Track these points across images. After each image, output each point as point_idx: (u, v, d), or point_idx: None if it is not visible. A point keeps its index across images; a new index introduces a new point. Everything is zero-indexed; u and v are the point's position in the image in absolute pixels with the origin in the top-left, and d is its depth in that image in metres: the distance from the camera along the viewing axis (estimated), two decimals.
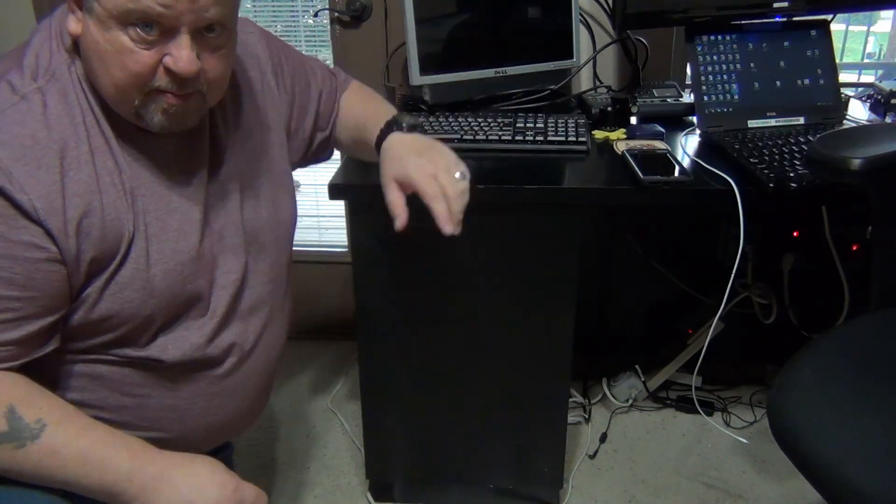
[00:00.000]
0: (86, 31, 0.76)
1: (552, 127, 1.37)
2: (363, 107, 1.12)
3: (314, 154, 1.14)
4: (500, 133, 1.34)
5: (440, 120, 1.40)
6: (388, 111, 1.08)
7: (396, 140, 0.99)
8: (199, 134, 0.89)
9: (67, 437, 0.79)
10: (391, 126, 1.00)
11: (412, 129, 1.00)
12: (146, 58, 0.75)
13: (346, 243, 2.04)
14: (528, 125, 1.38)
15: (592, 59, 1.67)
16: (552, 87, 1.57)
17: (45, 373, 0.84)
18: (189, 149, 0.88)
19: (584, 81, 1.70)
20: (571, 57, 1.56)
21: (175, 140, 0.86)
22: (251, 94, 0.99)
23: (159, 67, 0.76)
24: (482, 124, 1.38)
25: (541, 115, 1.44)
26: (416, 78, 1.46)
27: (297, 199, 1.08)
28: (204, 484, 0.83)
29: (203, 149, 0.90)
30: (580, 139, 1.33)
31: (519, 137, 1.33)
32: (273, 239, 1.01)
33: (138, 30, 0.74)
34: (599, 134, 1.41)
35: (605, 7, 1.65)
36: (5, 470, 0.78)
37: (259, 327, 1.00)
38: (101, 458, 0.80)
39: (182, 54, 0.75)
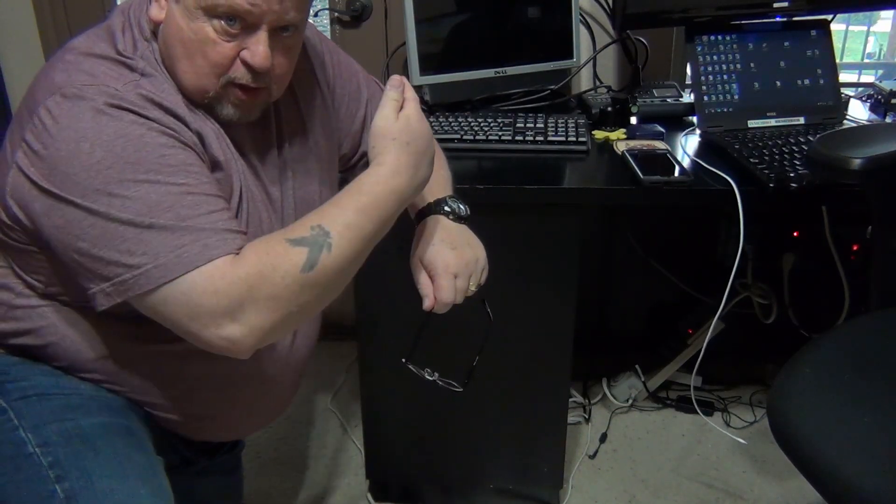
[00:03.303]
0: (170, 19, 0.80)
1: (552, 127, 1.37)
2: None
3: (357, 165, 1.15)
4: (500, 133, 1.34)
5: (440, 120, 1.40)
6: (443, 178, 1.07)
7: (438, 224, 0.99)
8: (266, 123, 0.94)
9: (353, 216, 0.83)
10: (440, 205, 1.01)
11: (459, 220, 1.01)
12: (227, 49, 0.80)
13: None
14: (528, 125, 1.38)
15: (592, 59, 1.67)
16: (552, 87, 1.57)
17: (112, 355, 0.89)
18: (261, 136, 0.93)
19: (584, 81, 1.70)
20: (571, 57, 1.56)
21: (247, 127, 0.91)
22: (311, 91, 1.02)
23: (236, 60, 0.82)
24: (482, 124, 1.38)
25: (541, 115, 1.44)
26: (416, 78, 1.46)
27: None
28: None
29: (271, 136, 0.94)
30: (580, 139, 1.33)
31: (519, 137, 1.33)
32: None
33: (223, 23, 0.78)
34: (599, 134, 1.41)
35: (605, 7, 1.65)
36: (346, 268, 0.84)
37: None
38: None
39: (259, 49, 0.80)
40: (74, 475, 0.81)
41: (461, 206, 1.02)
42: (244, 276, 0.76)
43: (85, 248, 0.76)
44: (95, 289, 0.78)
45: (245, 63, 0.81)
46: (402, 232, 0.94)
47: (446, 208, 1.00)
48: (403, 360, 1.00)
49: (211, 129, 0.85)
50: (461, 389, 0.99)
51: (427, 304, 0.95)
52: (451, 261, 0.96)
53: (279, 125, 0.96)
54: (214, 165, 0.85)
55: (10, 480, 0.81)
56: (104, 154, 0.74)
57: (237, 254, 0.77)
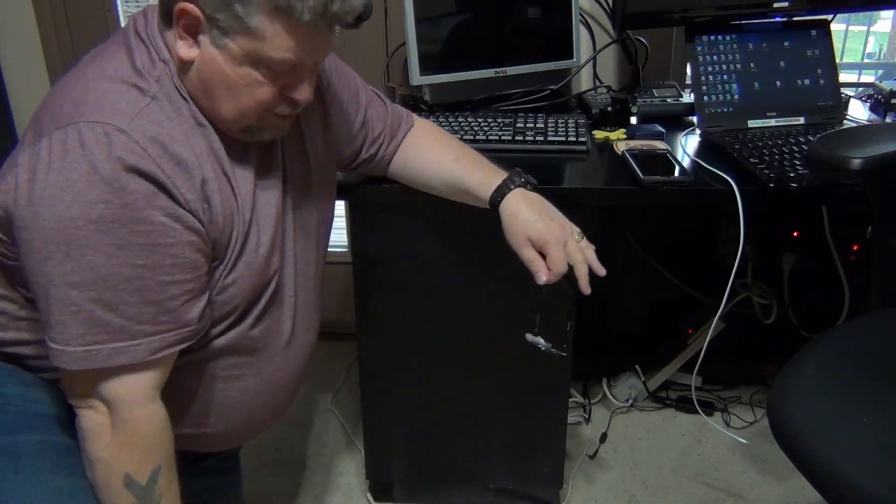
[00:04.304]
0: (209, 62, 0.81)
1: (552, 127, 1.37)
2: (447, 152, 1.12)
3: (358, 167, 1.16)
4: (500, 133, 1.34)
5: (440, 120, 1.39)
6: (482, 161, 1.10)
7: (525, 198, 1.02)
8: (273, 141, 0.96)
9: None
10: (514, 180, 1.04)
11: (535, 189, 1.05)
12: (273, 90, 0.83)
13: (346, 243, 2.04)
14: (528, 125, 1.38)
15: (592, 59, 1.67)
16: (552, 87, 1.57)
17: None
18: (267, 153, 0.94)
19: (584, 81, 1.70)
20: (571, 57, 1.56)
21: (256, 146, 0.92)
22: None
23: (279, 96, 0.85)
24: (482, 124, 1.38)
25: (541, 115, 1.44)
26: (416, 78, 1.46)
27: None
28: None
29: (277, 152, 0.96)
30: (580, 139, 1.33)
31: (519, 137, 1.33)
32: (322, 233, 1.09)
33: (270, 68, 0.81)
34: (599, 134, 1.41)
35: (605, 7, 1.65)
36: None
37: (304, 318, 1.05)
38: None
39: (306, 88, 0.85)
40: None
41: (529, 176, 1.05)
42: (127, 415, 0.83)
43: (35, 291, 0.79)
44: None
45: (288, 98, 0.85)
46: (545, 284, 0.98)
47: (521, 180, 1.04)
48: (529, 335, 1.05)
49: (212, 171, 0.85)
50: (565, 354, 1.04)
51: (545, 278, 0.97)
52: (557, 232, 0.99)
53: (282, 139, 0.97)
54: (213, 207, 0.85)
55: None
56: (80, 213, 0.75)
57: (149, 368, 0.83)
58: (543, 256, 0.98)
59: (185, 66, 0.82)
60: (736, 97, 1.41)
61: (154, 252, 0.79)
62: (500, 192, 1.03)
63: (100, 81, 0.80)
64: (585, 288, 0.98)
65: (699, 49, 1.41)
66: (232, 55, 0.79)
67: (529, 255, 0.99)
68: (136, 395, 0.83)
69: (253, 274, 0.91)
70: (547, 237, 0.98)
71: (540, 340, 1.06)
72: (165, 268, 0.80)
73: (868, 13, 2.08)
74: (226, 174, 0.86)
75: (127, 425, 0.83)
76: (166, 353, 0.83)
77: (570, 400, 1.75)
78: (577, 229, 1.02)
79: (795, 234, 1.64)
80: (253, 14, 0.77)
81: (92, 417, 0.83)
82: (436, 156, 1.12)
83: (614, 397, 1.82)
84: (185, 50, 0.81)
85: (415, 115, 1.19)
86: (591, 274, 1.00)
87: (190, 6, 0.77)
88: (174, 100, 0.83)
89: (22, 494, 0.83)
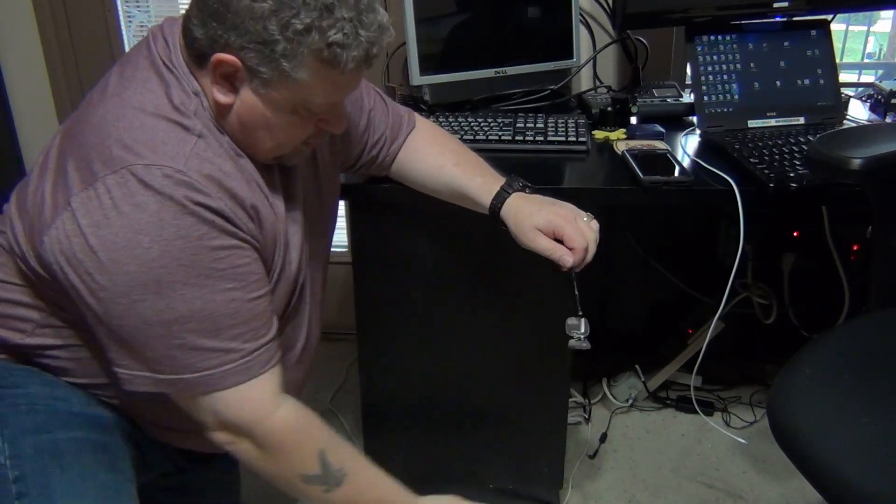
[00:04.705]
0: (249, 107, 0.81)
1: (552, 127, 1.37)
2: (447, 156, 1.13)
3: (360, 169, 1.17)
4: (500, 133, 1.34)
5: (440, 120, 1.39)
6: (482, 166, 1.11)
7: (525, 198, 1.03)
8: None
9: (361, 488, 0.92)
10: (513, 185, 1.05)
11: (524, 187, 1.05)
12: (311, 125, 0.86)
13: (346, 243, 2.04)
14: (528, 125, 1.38)
15: (592, 59, 1.67)
16: (552, 87, 1.57)
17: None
18: (287, 168, 0.95)
19: (584, 81, 1.70)
20: (571, 57, 1.56)
21: (277, 167, 0.93)
22: None
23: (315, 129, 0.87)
24: (482, 124, 1.38)
25: (541, 115, 1.44)
26: (416, 78, 1.46)
27: None
28: None
29: (296, 169, 0.96)
30: (580, 139, 1.33)
31: (519, 137, 1.33)
32: (331, 236, 1.13)
33: (311, 110, 0.83)
34: (599, 134, 1.41)
35: (605, 7, 1.65)
36: None
37: (316, 323, 1.07)
38: None
39: (342, 120, 0.88)
40: (35, 491, 0.81)
41: (525, 181, 1.06)
42: (269, 427, 0.85)
43: (114, 336, 0.79)
44: (120, 369, 0.82)
45: (322, 130, 0.88)
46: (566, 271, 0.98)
47: (519, 184, 1.05)
48: (573, 342, 1.03)
49: (258, 198, 0.86)
50: (590, 347, 1.02)
51: (570, 260, 0.97)
52: (564, 212, 1.00)
53: None
54: (264, 232, 0.87)
55: None
56: (161, 252, 0.75)
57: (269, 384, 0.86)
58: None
59: (221, 109, 0.82)
60: (736, 97, 1.41)
61: (238, 275, 0.81)
62: (500, 199, 1.03)
63: (143, 117, 0.79)
64: (569, 259, 0.97)
65: (699, 49, 1.41)
66: (273, 102, 0.80)
67: (545, 244, 0.99)
68: (263, 411, 0.85)
69: (287, 288, 0.94)
70: (556, 219, 0.98)
71: (584, 344, 1.04)
72: (251, 286, 0.83)
73: (868, 13, 2.08)
74: (267, 199, 0.88)
75: (269, 440, 0.86)
76: (274, 362, 0.86)
77: (570, 400, 1.75)
78: (585, 213, 1.02)
79: (795, 234, 1.64)
80: (299, 68, 0.77)
81: (239, 449, 0.87)
82: (436, 160, 1.12)
83: (614, 397, 1.82)
84: (222, 96, 0.81)
85: (416, 115, 1.19)
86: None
87: (230, 58, 0.77)
88: (215, 134, 0.83)
89: (72, 491, 0.83)
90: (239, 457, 0.88)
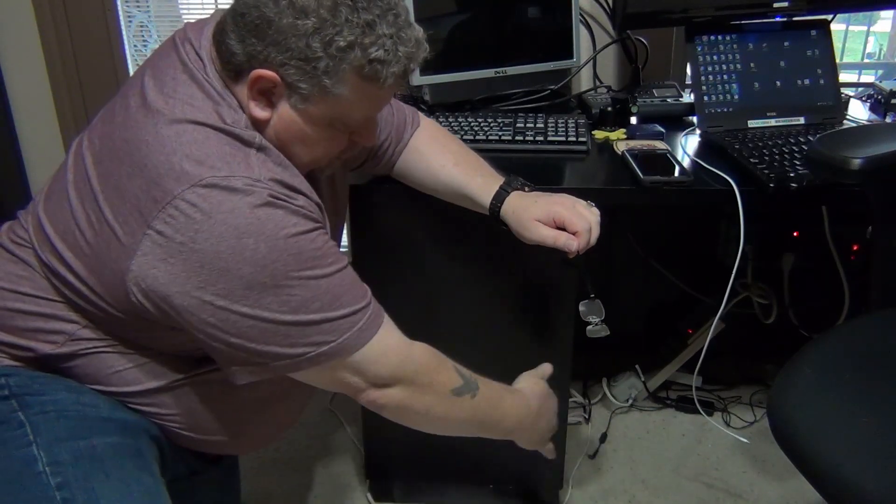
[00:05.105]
0: (287, 121, 0.82)
1: (552, 127, 1.37)
2: (447, 156, 1.13)
3: (364, 168, 1.17)
4: (500, 133, 1.34)
5: (440, 120, 1.39)
6: (483, 166, 1.12)
7: (523, 194, 1.05)
8: None
9: (489, 387, 1.00)
10: (512, 184, 1.06)
11: (523, 186, 1.07)
12: (346, 139, 0.88)
13: (346, 242, 2.04)
14: (528, 125, 1.38)
15: (592, 59, 1.67)
16: (552, 87, 1.57)
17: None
18: (314, 178, 0.96)
19: (584, 81, 1.70)
20: (571, 57, 1.56)
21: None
22: None
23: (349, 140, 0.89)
24: (482, 124, 1.38)
25: (541, 115, 1.44)
26: (416, 78, 1.46)
27: None
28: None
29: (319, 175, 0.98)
30: (580, 139, 1.33)
31: (519, 137, 1.33)
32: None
33: (347, 124, 0.86)
34: (599, 134, 1.41)
35: (605, 7, 1.65)
36: (463, 419, 1.00)
37: None
38: (515, 405, 1.05)
39: (374, 133, 0.92)
40: (81, 498, 0.80)
41: (518, 179, 1.08)
42: (413, 362, 0.91)
43: (238, 343, 0.80)
44: (239, 369, 0.83)
45: (354, 142, 0.89)
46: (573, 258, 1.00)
47: (518, 183, 1.06)
48: (591, 327, 1.08)
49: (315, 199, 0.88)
50: (609, 333, 1.08)
51: (575, 245, 0.99)
52: (562, 200, 1.01)
53: None
54: (326, 228, 0.89)
55: (16, 499, 0.80)
56: (269, 249, 0.76)
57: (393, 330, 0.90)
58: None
59: (258, 125, 0.82)
60: (736, 97, 1.41)
61: (330, 251, 0.83)
62: (499, 198, 1.04)
63: (205, 132, 0.78)
64: (575, 244, 0.99)
65: (699, 49, 1.41)
66: (311, 117, 0.81)
67: (548, 233, 1.00)
68: (405, 351, 0.91)
69: None
70: (554, 208, 1.00)
71: (603, 330, 1.08)
72: (342, 256, 0.86)
73: (868, 13, 2.08)
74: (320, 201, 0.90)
75: (419, 375, 0.91)
76: (383, 310, 0.90)
77: (570, 400, 1.75)
78: (584, 201, 1.04)
79: (795, 234, 1.64)
80: (339, 84, 0.78)
81: (390, 401, 0.91)
82: (437, 160, 1.12)
83: (614, 397, 1.82)
84: (259, 111, 0.81)
85: (420, 115, 1.19)
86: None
87: (270, 74, 0.77)
88: (268, 146, 0.83)
89: (118, 498, 0.83)
90: (389, 410, 0.92)
